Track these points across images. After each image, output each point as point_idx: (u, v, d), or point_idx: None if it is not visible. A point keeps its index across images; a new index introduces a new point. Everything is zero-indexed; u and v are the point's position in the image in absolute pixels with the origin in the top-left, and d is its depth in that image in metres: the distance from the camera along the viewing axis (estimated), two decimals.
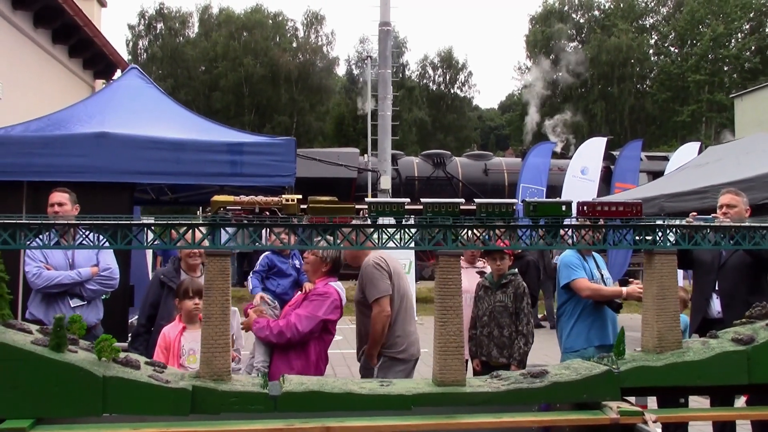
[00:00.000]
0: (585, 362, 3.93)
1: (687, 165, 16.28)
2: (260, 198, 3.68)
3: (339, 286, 5.70)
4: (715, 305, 6.48)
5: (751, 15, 59.54)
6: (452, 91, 71.60)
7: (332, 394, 3.51)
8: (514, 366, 6.46)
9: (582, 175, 26.69)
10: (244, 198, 3.66)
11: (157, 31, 64.66)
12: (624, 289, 6.68)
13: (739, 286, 6.20)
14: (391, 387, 3.66)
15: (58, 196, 6.63)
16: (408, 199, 3.81)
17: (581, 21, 66.16)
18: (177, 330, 5.39)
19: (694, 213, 6.22)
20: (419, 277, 21.94)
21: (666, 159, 28.78)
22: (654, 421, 3.42)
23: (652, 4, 65.43)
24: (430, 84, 71.09)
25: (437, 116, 67.63)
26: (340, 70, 72.92)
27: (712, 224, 4.02)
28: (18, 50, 12.04)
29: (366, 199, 3.73)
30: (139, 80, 9.56)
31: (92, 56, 14.15)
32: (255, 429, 3.30)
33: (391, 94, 20.03)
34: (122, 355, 3.50)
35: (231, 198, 3.66)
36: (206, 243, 3.58)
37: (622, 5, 64.16)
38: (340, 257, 5.81)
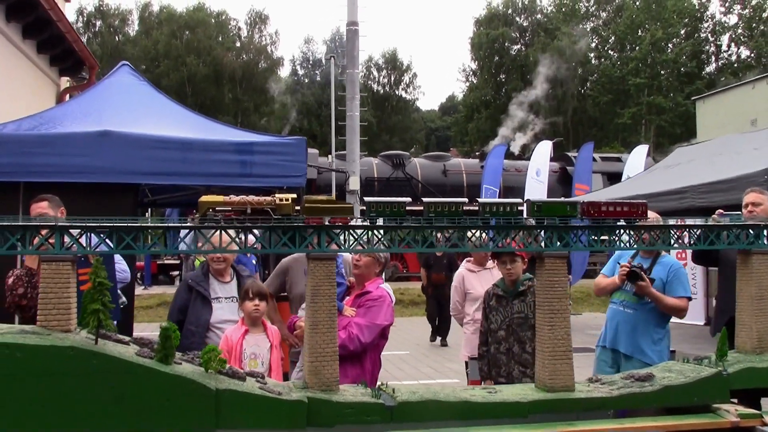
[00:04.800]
0: (687, 364, 3.89)
1: (657, 166, 16.60)
2: (252, 198, 3.45)
3: (388, 287, 5.54)
4: None
5: (686, 20, 61.33)
6: (397, 93, 71.74)
7: (448, 403, 3.38)
8: None
9: (537, 177, 27.11)
10: (234, 198, 3.44)
11: (96, 29, 63.04)
12: (615, 277, 6.42)
13: None
14: (501, 394, 3.55)
15: (38, 209, 5.96)
16: (409, 199, 3.70)
17: (525, 24, 67.09)
18: (239, 333, 5.17)
19: (721, 210, 6.25)
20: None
21: (620, 160, 29.35)
22: None
23: (593, 8, 66.76)
24: (375, 85, 71.06)
25: (382, 117, 67.61)
26: (285, 71, 72.39)
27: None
28: None
29: (366, 199, 3.58)
30: (131, 77, 9.18)
31: (61, 53, 13.58)
32: None
33: (358, 94, 19.87)
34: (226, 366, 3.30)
35: (220, 198, 3.43)
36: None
37: (564, 9, 65.30)
38: (390, 256, 5.69)
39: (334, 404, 3.26)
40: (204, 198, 3.45)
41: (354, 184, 19.01)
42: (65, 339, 3.03)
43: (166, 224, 3.30)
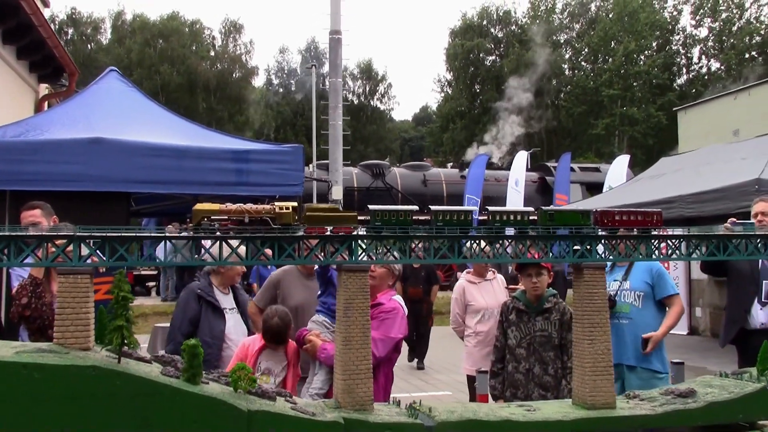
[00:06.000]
0: (726, 379, 3.75)
1: (641, 176, 16.63)
2: (250, 206, 3.25)
3: (400, 299, 5.37)
4: (759, 315, 6.40)
5: (658, 33, 61.99)
6: (372, 103, 71.70)
7: (490, 422, 3.20)
8: None
9: (516, 187, 27.27)
10: (231, 206, 3.23)
11: (68, 37, 62.19)
12: None
13: None
14: (541, 412, 3.37)
15: (30, 217, 5.77)
16: (416, 207, 3.54)
17: (500, 35, 67.40)
18: (257, 346, 5.00)
19: (733, 219, 6.17)
20: None
21: (598, 170, 29.47)
22: None
23: (567, 20, 67.29)
24: (350, 95, 70.90)
25: (357, 127, 67.43)
26: (259, 80, 72.05)
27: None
28: None
29: (371, 207, 3.40)
30: (120, 83, 8.95)
31: (41, 59, 13.23)
32: None
33: (341, 103, 19.70)
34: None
35: (216, 206, 3.22)
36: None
37: (538, 21, 65.73)
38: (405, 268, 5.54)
39: (371, 425, 3.08)
40: (199, 206, 3.24)
41: (337, 193, 18.83)
42: (86, 358, 2.81)
43: (195, 235, 3.10)
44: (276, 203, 3.29)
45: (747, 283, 6.46)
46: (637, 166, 33.05)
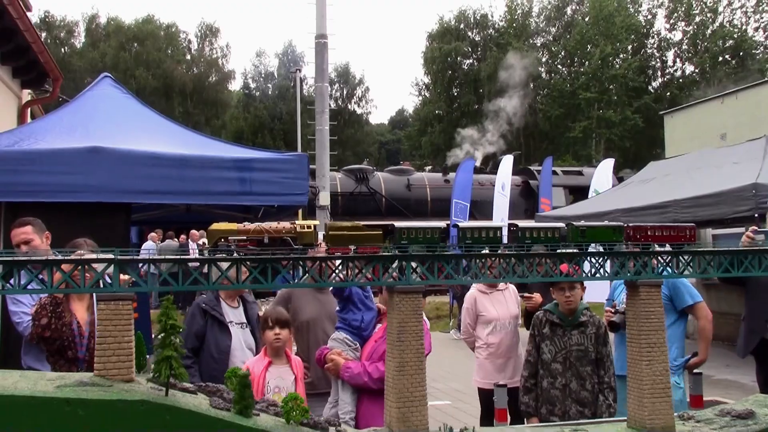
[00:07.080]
0: None
1: (630, 180, 16.62)
2: (269, 225, 3.14)
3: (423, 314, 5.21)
4: None
5: (633, 36, 62.41)
6: (349, 107, 71.44)
7: None
8: None
9: (502, 191, 27.17)
10: (249, 226, 3.13)
11: (41, 41, 61.29)
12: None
13: None
14: None
15: (21, 234, 5.50)
16: (443, 224, 3.42)
17: (477, 39, 67.47)
18: (262, 365, 4.85)
19: (755, 227, 6.09)
20: None
21: (581, 174, 29.50)
22: None
23: (543, 24, 67.58)
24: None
25: (334, 131, 67.00)
26: (236, 84, 71.49)
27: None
28: None
29: (396, 224, 3.26)
30: (115, 90, 8.67)
31: (26, 64, 12.88)
32: None
33: (328, 107, 19.47)
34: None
35: (234, 226, 3.11)
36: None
37: (515, 24, 65.92)
38: None
39: None
40: (215, 226, 3.11)
41: (324, 199, 18.59)
42: (133, 391, 2.62)
43: (239, 257, 2.91)
44: (297, 222, 3.15)
45: (765, 292, 6.39)
46: (615, 168, 33.25)
